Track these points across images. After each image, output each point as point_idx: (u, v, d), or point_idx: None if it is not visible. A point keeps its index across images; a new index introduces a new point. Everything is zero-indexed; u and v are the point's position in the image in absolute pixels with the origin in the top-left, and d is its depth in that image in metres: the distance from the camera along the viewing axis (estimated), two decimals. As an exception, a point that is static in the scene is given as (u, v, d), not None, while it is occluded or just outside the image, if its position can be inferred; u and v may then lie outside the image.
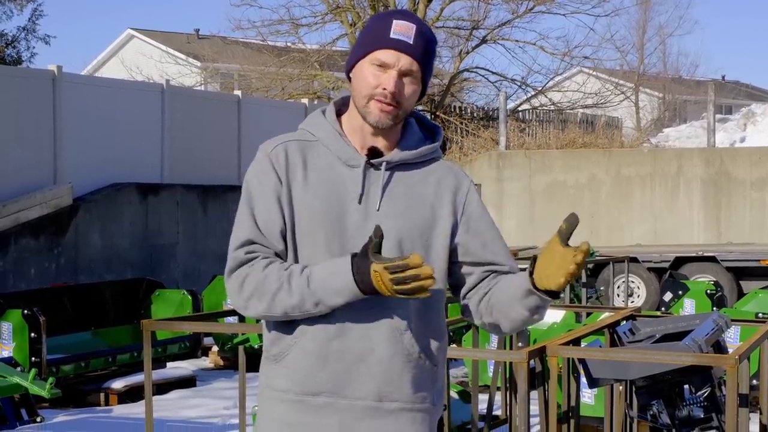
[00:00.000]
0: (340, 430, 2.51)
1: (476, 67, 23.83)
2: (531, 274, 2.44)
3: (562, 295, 2.32)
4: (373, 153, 2.57)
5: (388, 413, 2.52)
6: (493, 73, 23.43)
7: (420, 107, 21.88)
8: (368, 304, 2.47)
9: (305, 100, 18.27)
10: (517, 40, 23.00)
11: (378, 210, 2.53)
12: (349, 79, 2.60)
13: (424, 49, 2.54)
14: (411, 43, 2.51)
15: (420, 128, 2.68)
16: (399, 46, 2.51)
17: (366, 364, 2.49)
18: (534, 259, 2.44)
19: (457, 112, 22.53)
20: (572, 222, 2.34)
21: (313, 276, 2.44)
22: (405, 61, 2.51)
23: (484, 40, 22.88)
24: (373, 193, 2.54)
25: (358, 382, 2.49)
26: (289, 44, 22.92)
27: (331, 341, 2.49)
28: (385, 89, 2.50)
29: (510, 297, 2.51)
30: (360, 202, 2.53)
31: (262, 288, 2.47)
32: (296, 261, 2.52)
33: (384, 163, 2.56)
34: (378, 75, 2.51)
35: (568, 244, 2.36)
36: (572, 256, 2.33)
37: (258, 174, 2.57)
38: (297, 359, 2.51)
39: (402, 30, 2.51)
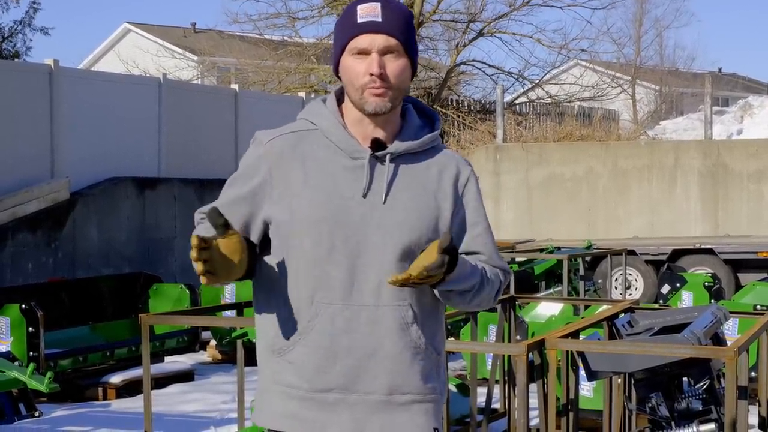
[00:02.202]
0: (353, 425, 2.50)
1: (473, 60, 23.85)
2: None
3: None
4: (376, 145, 2.55)
5: (399, 406, 2.52)
6: (490, 66, 23.45)
7: (417, 100, 21.84)
8: (374, 298, 2.48)
9: (302, 94, 18.26)
10: (514, 33, 23.00)
11: (384, 203, 2.52)
12: (339, 78, 2.60)
13: (396, 23, 2.52)
14: (380, 20, 2.50)
15: (418, 115, 2.67)
16: (369, 27, 2.50)
17: (376, 358, 2.49)
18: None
19: (454, 105, 22.52)
20: (448, 238, 2.34)
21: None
22: (380, 40, 2.49)
23: (480, 33, 22.86)
24: (378, 185, 2.52)
25: (369, 376, 2.49)
26: (285, 38, 22.90)
27: (338, 336, 2.47)
28: (372, 74, 2.48)
29: None
30: (365, 196, 2.51)
31: None
32: (292, 256, 2.51)
33: (388, 156, 2.55)
34: (361, 63, 2.50)
35: (443, 253, 2.34)
36: (420, 264, 2.34)
37: (247, 162, 2.59)
38: (304, 355, 2.50)
39: (367, 11, 2.51)
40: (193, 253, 2.29)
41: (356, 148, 2.54)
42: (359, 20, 2.50)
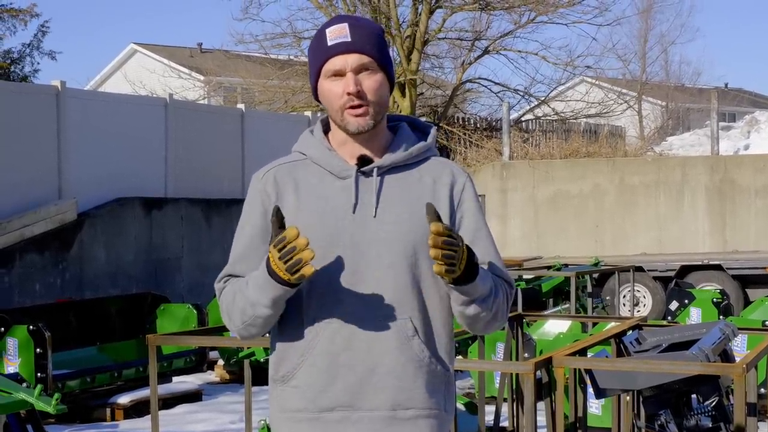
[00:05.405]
0: None
1: (479, 78, 23.86)
2: None
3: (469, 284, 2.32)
4: (363, 161, 2.57)
5: (404, 421, 2.52)
6: (496, 83, 23.47)
7: (423, 119, 21.88)
8: (372, 313, 2.48)
9: (308, 113, 18.29)
10: (519, 51, 23.03)
11: (375, 217, 2.52)
12: (320, 103, 2.63)
13: (366, 39, 2.53)
14: (350, 40, 2.52)
15: (413, 131, 2.68)
16: (340, 48, 2.52)
17: (377, 374, 2.49)
18: None
19: (461, 123, 22.55)
20: (429, 210, 2.36)
21: (250, 278, 2.48)
22: (352, 59, 2.51)
23: (486, 51, 22.89)
24: (368, 200, 2.53)
25: (372, 393, 2.49)
26: (291, 57, 22.95)
27: (338, 355, 2.48)
28: (349, 93, 2.50)
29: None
30: (354, 212, 2.52)
31: (229, 305, 2.55)
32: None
33: (375, 169, 2.56)
34: (337, 84, 2.52)
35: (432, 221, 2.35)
36: (430, 241, 2.33)
37: (246, 205, 2.63)
38: (307, 377, 2.51)
39: (336, 33, 2.53)
40: (302, 241, 2.29)
41: (343, 167, 2.56)
42: (329, 43, 2.52)
